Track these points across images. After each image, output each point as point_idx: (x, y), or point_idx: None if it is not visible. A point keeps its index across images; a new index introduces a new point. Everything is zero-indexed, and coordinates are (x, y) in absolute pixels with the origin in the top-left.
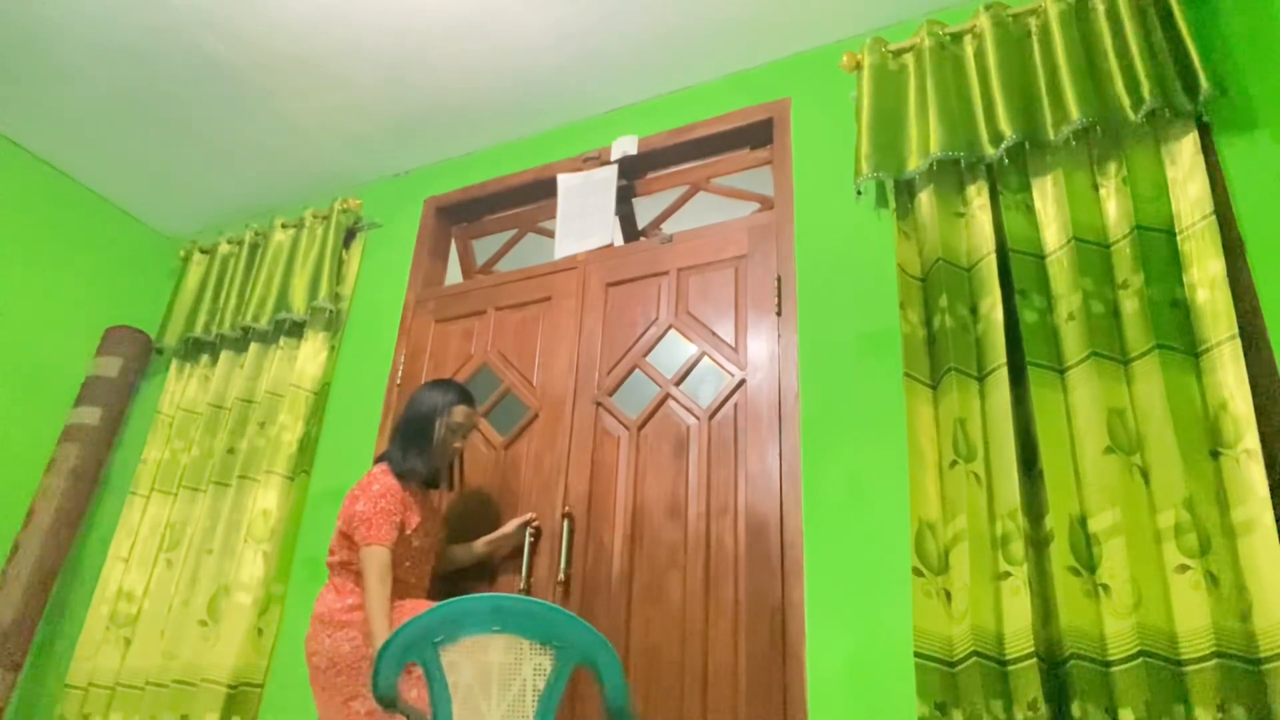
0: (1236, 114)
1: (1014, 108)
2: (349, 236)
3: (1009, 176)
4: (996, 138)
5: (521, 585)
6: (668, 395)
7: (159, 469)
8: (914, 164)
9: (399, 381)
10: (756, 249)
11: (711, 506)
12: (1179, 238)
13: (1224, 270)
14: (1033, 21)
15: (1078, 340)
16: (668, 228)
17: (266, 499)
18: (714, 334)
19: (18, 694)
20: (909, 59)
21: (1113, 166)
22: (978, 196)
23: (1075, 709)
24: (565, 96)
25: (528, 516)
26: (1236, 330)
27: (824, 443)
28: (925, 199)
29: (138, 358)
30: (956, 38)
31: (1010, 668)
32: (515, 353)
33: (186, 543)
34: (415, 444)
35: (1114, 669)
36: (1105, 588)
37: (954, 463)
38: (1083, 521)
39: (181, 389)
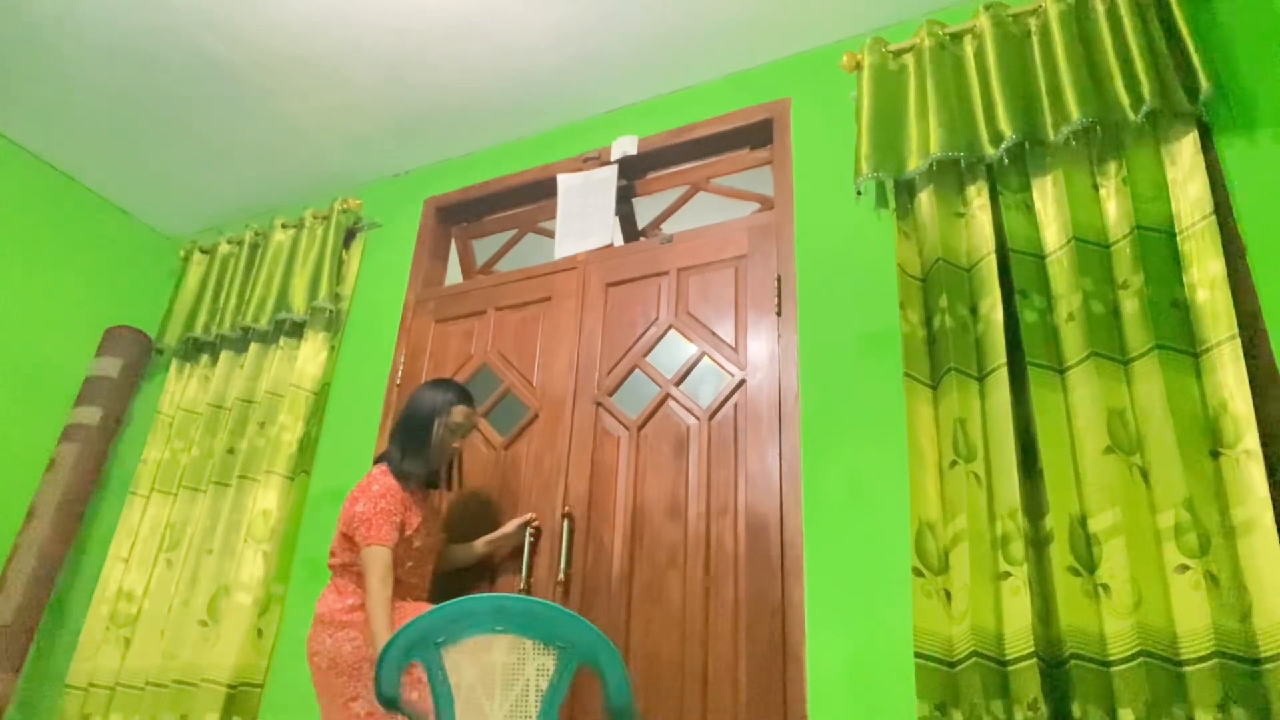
0: (1236, 114)
1: (1014, 108)
2: (349, 236)
3: (1009, 176)
4: (996, 138)
5: (521, 585)
6: (668, 395)
7: (159, 469)
8: (914, 164)
9: (399, 381)
10: (756, 249)
11: (711, 506)
12: (1179, 238)
13: (1224, 270)
14: (1033, 21)
15: (1078, 340)
16: (668, 228)
17: (266, 499)
18: (714, 334)
19: (18, 694)
20: (909, 59)
21: (1113, 166)
22: (978, 196)
23: (1075, 709)
24: (565, 96)
25: (527, 516)
26: (1236, 330)
27: (824, 443)
28: (925, 199)
29: (138, 358)
30: (956, 38)
31: (1010, 668)
32: (515, 353)
33: (186, 543)
34: (414, 444)
35: (1114, 669)
36: (1105, 588)
37: (954, 463)
38: (1083, 521)
39: (181, 389)
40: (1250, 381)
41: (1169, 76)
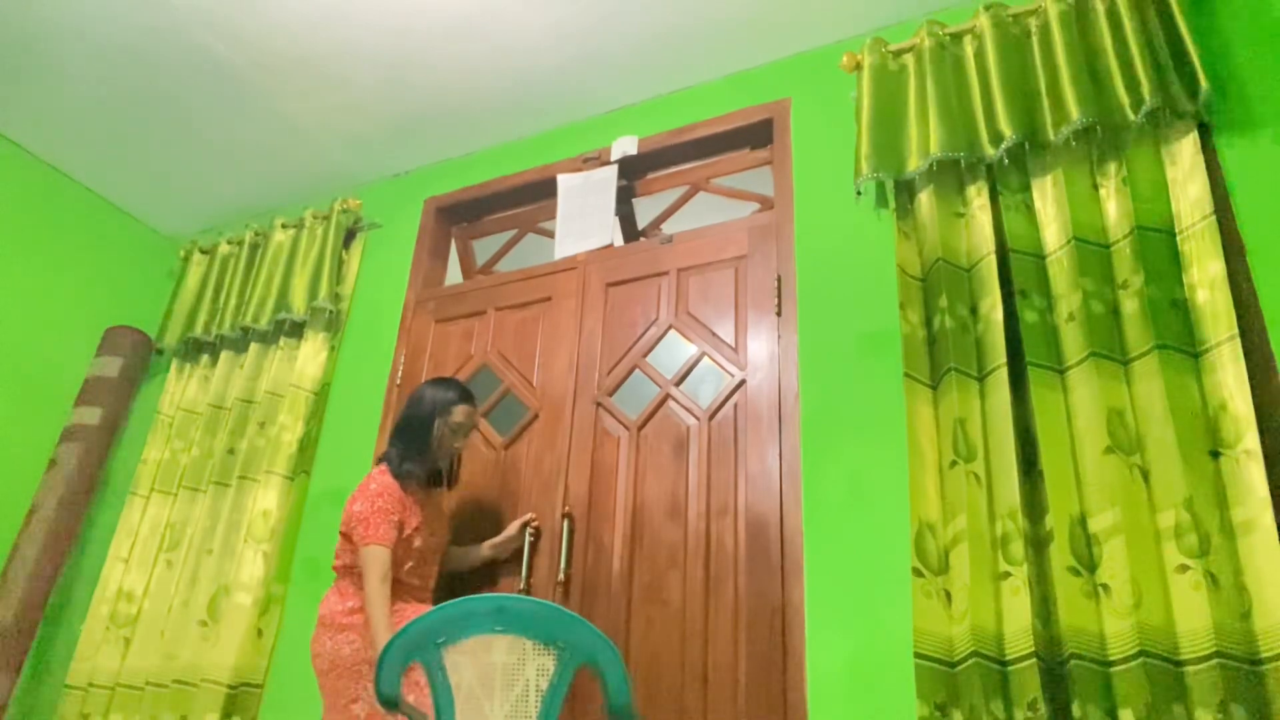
0: (1236, 114)
1: (1014, 108)
2: (349, 237)
3: (1009, 177)
4: (996, 138)
5: (521, 585)
6: (668, 395)
7: (159, 469)
8: (914, 164)
9: (399, 382)
10: (756, 249)
11: (711, 507)
12: (1179, 238)
13: (1224, 270)
14: (1033, 22)
15: (1078, 340)
16: (668, 228)
17: (266, 499)
18: (714, 334)
19: (18, 694)
20: (909, 59)
21: (1113, 167)
22: (978, 197)
23: (1075, 709)
24: (565, 96)
25: (527, 517)
26: (1236, 330)
27: (824, 443)
28: (925, 199)
29: (138, 358)
30: (956, 38)
31: (1010, 668)
32: (515, 353)
33: (186, 543)
34: (414, 444)
35: (1114, 669)
36: (1105, 588)
37: (954, 463)
38: (1083, 521)
39: (181, 389)
40: (1250, 381)
41: (1169, 76)
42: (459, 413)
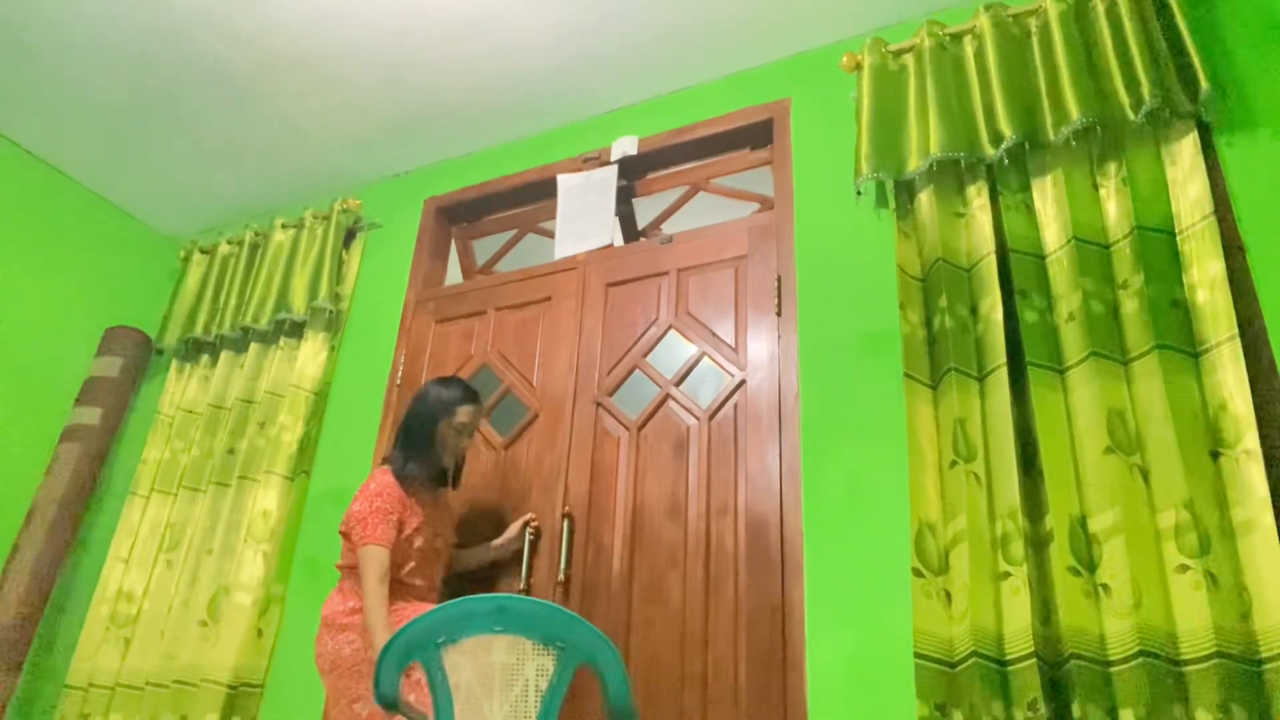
0: (1236, 114)
1: (1014, 108)
2: (349, 237)
3: (1009, 177)
4: (996, 138)
5: (521, 586)
6: (668, 395)
7: (159, 469)
8: (914, 164)
9: (399, 382)
10: (756, 249)
11: (711, 507)
12: (1179, 238)
13: (1224, 270)
14: (1033, 22)
15: (1078, 340)
16: (668, 228)
17: (266, 499)
18: (714, 334)
19: (18, 694)
20: (909, 59)
21: (1113, 167)
22: (978, 197)
23: (1075, 709)
24: (565, 96)
25: (527, 517)
26: (1236, 330)
27: (824, 443)
28: (925, 199)
29: (138, 358)
30: (956, 38)
31: (1010, 668)
32: (515, 353)
33: (186, 543)
34: (417, 444)
35: (1114, 669)
36: (1105, 588)
37: (954, 463)
38: (1083, 521)
39: (181, 389)
40: (1250, 381)
41: (1169, 76)
42: (463, 413)
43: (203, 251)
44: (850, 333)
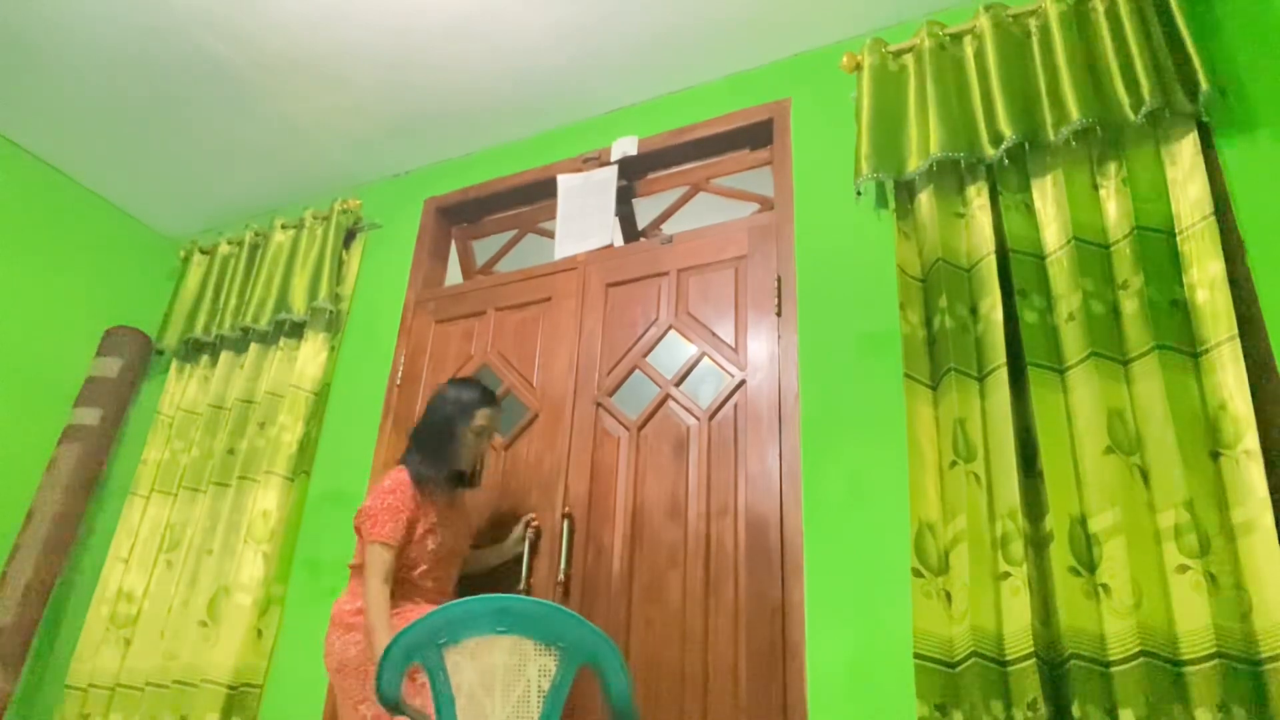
0: (1236, 114)
1: (1014, 108)
2: (349, 237)
3: (1009, 177)
4: (996, 138)
5: (522, 586)
6: (668, 396)
7: (159, 469)
8: (914, 164)
9: (399, 382)
10: (756, 249)
11: (711, 507)
12: (1179, 238)
13: (1224, 270)
14: (1033, 22)
15: (1078, 340)
16: (668, 228)
17: (266, 500)
18: (714, 334)
19: (18, 694)
20: (909, 59)
21: (1113, 167)
22: (978, 197)
23: (1075, 709)
24: (565, 96)
25: (527, 517)
26: (1236, 330)
27: (824, 443)
28: (925, 199)
29: (138, 358)
30: (956, 38)
31: (1010, 668)
32: (515, 353)
33: (186, 543)
34: (433, 447)
35: (1114, 669)
36: (1105, 588)
37: (954, 463)
38: (1083, 522)
39: (181, 389)
40: (1250, 381)
41: (1169, 76)
42: (482, 415)
43: (203, 252)
44: (850, 333)
